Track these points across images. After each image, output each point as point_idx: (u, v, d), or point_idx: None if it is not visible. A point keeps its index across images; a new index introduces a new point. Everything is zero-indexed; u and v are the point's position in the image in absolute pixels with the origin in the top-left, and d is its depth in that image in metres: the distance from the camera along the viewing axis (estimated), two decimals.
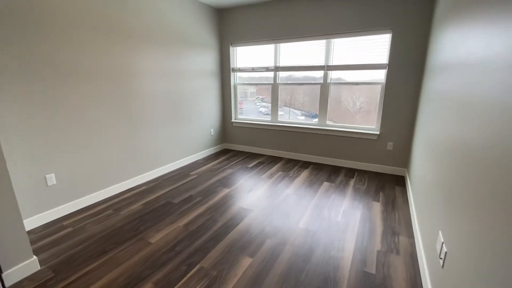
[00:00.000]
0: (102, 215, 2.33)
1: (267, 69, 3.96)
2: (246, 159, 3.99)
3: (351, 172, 3.41)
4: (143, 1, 2.79)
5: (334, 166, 3.67)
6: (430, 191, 1.69)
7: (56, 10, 2.08)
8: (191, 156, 3.84)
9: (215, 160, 3.94)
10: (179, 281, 1.55)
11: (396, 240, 1.96)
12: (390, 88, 3.15)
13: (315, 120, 3.82)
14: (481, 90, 1.01)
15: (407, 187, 2.87)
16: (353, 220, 2.24)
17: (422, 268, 1.58)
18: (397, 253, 1.82)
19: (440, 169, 1.49)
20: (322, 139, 3.73)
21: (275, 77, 3.94)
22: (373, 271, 1.65)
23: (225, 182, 3.07)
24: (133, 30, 2.72)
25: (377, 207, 2.47)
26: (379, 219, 2.25)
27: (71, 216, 2.31)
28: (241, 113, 4.50)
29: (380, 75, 3.23)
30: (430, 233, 1.53)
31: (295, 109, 4.03)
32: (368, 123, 3.46)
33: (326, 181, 3.12)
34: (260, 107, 4.35)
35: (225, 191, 2.83)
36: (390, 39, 3.04)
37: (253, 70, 4.09)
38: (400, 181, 3.11)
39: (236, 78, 4.33)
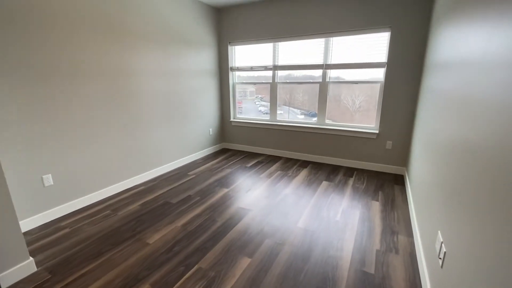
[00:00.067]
0: (99, 215, 2.32)
1: (265, 68, 3.94)
2: (245, 158, 3.98)
3: (350, 171, 3.40)
4: (141, 0, 2.77)
5: (333, 165, 3.66)
6: (429, 191, 1.68)
7: (54, 8, 2.06)
8: (190, 155, 3.82)
9: (214, 159, 3.93)
10: (176, 282, 1.54)
11: (395, 239, 1.95)
12: (389, 87, 3.14)
13: (315, 119, 3.81)
14: (481, 89, 1.00)
15: (406, 186, 2.86)
16: (352, 219, 2.23)
17: (421, 268, 1.57)
18: (396, 252, 1.81)
19: (440, 168, 1.48)
20: (321, 138, 3.72)
21: (273, 76, 3.92)
22: (372, 270, 1.64)
23: (223, 182, 3.05)
24: (131, 29, 2.70)
25: (376, 206, 2.46)
26: (378, 218, 2.24)
27: (68, 217, 2.29)
28: (241, 112, 4.48)
29: (379, 74, 3.22)
30: (429, 232, 1.53)
31: (294, 108, 4.02)
32: (367, 122, 3.45)
33: (325, 180, 3.11)
34: (260, 106, 4.33)
35: (224, 190, 2.81)
36: (389, 37, 3.02)
37: (251, 69, 4.08)
38: (399, 180, 3.10)
39: (235, 77, 4.31)
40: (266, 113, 4.21)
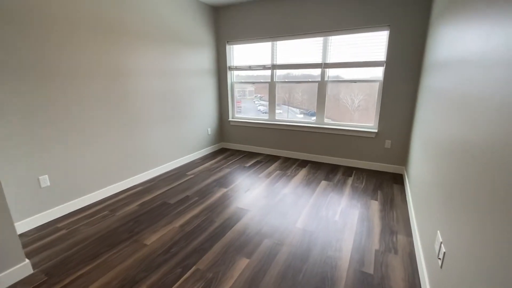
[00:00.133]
0: (97, 216, 2.30)
1: (264, 67, 3.92)
2: (244, 158, 3.97)
3: (349, 171, 3.39)
4: None
5: (332, 164, 3.65)
6: (428, 190, 1.67)
7: (53, 9, 2.04)
8: (188, 155, 3.80)
9: (212, 159, 3.91)
10: (174, 284, 1.53)
11: (394, 239, 1.94)
12: (388, 86, 3.13)
13: (314, 118, 3.79)
14: (480, 87, 0.98)
15: (405, 185, 2.85)
16: (351, 219, 2.22)
17: (421, 268, 1.56)
18: (395, 252, 1.80)
19: (439, 168, 1.47)
20: (320, 138, 3.71)
21: (272, 75, 3.91)
22: (371, 271, 1.63)
23: (222, 182, 3.04)
24: (128, 28, 2.68)
25: (375, 205, 2.45)
26: (377, 218, 2.23)
27: (66, 218, 2.27)
28: (240, 112, 4.46)
29: (378, 73, 3.20)
30: (429, 232, 1.51)
31: (293, 107, 4.00)
32: (366, 121, 3.44)
33: (324, 179, 3.10)
34: (259, 105, 4.31)
35: (222, 191, 2.80)
36: (388, 35, 3.01)
37: (250, 68, 4.06)
38: (398, 179, 3.09)
39: (233, 76, 4.29)
40: (266, 113, 4.20)
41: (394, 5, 2.89)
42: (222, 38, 4.07)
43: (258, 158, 3.94)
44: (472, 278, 0.86)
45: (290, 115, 4.02)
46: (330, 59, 3.42)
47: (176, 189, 2.84)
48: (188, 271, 1.63)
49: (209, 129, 4.20)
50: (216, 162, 3.76)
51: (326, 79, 3.51)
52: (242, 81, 4.25)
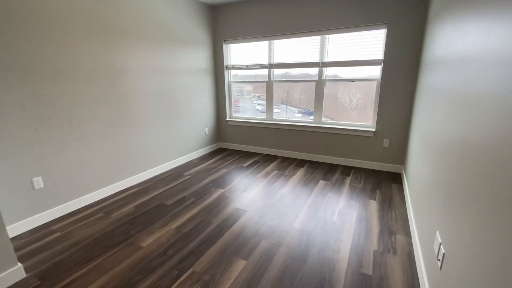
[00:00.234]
0: (92, 218, 2.27)
1: (261, 66, 3.90)
2: (241, 158, 3.94)
3: (347, 170, 3.38)
4: None
5: (330, 164, 3.64)
6: (428, 190, 1.65)
7: (52, 9, 2.00)
8: (185, 156, 3.77)
9: (210, 159, 3.88)
10: (170, 287, 1.50)
11: (393, 239, 1.93)
12: (385, 84, 3.11)
13: (312, 117, 3.78)
14: (480, 86, 0.96)
15: (403, 184, 2.84)
16: (349, 219, 2.20)
17: (420, 269, 1.55)
18: (394, 253, 1.78)
19: (439, 167, 1.45)
20: (318, 137, 3.69)
21: (269, 75, 3.88)
22: (370, 272, 1.61)
23: (219, 182, 3.01)
24: (124, 27, 2.64)
25: (373, 205, 2.44)
26: (375, 218, 2.21)
27: (60, 221, 2.24)
28: (238, 111, 4.44)
29: (376, 72, 3.19)
30: (428, 232, 1.50)
31: (292, 106, 3.98)
32: (364, 120, 3.43)
33: (322, 179, 3.08)
34: (257, 105, 4.29)
35: (220, 191, 2.77)
36: (385, 34, 2.99)
37: (247, 67, 4.03)
38: (396, 178, 3.08)
39: (230, 76, 4.26)
40: (264, 112, 4.17)
41: (391, 4, 2.87)
42: (219, 37, 4.03)
43: (256, 158, 3.92)
44: (472, 279, 0.85)
45: (289, 114, 4.00)
46: (328, 58, 3.40)
47: (173, 190, 2.81)
48: (184, 273, 1.61)
49: (206, 129, 4.17)
50: (213, 162, 3.74)
51: (323, 78, 3.50)
52: (240, 80, 4.22)
